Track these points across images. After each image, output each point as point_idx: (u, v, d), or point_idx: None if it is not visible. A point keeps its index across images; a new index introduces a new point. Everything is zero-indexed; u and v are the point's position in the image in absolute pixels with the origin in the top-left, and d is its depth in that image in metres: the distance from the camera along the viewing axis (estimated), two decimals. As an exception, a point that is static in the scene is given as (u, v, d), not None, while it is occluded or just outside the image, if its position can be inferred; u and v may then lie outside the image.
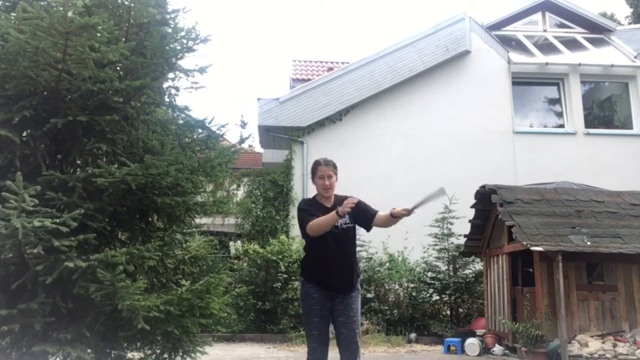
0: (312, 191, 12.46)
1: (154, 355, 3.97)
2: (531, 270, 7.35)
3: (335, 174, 3.53)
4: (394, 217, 3.24)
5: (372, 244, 9.63)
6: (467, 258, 9.56)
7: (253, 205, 12.70)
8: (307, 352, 3.43)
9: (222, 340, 8.83)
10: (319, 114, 11.87)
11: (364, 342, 7.83)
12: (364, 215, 3.46)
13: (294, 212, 10.61)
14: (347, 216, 3.36)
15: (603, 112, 13.79)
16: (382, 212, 3.42)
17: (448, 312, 9.87)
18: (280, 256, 9.63)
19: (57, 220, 3.09)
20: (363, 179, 11.16)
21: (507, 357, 7.46)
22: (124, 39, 3.79)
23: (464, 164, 11.48)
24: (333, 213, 3.21)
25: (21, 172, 3.14)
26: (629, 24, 21.94)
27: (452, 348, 7.90)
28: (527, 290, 7.29)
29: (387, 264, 9.93)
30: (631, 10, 23.92)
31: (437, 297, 9.84)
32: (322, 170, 3.48)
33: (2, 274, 3.30)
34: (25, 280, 3.25)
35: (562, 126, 12.85)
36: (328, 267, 3.42)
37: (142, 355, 4.03)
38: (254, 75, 50.98)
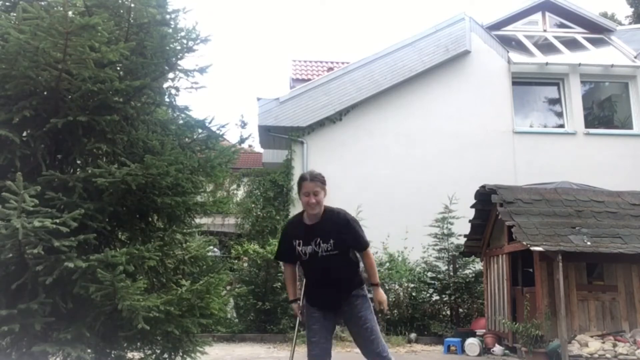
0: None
1: (154, 355, 3.97)
2: (531, 270, 7.35)
3: (323, 189, 3.24)
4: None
5: (372, 244, 9.58)
6: (467, 258, 9.56)
7: (253, 205, 12.69)
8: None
9: (222, 340, 8.83)
10: (319, 114, 11.86)
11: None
12: (352, 245, 3.47)
13: (294, 212, 10.60)
14: (326, 243, 3.26)
15: (603, 112, 13.77)
16: (367, 269, 3.69)
17: (448, 312, 9.87)
18: (280, 256, 9.62)
19: (57, 221, 3.08)
20: (363, 179, 11.19)
21: (507, 357, 7.46)
22: (124, 39, 3.79)
23: (464, 164, 11.47)
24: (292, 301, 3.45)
25: (21, 172, 3.15)
26: (629, 24, 21.93)
27: (452, 348, 7.90)
28: (527, 290, 7.29)
29: (387, 264, 9.93)
30: (631, 10, 23.92)
31: (437, 297, 9.84)
32: (307, 186, 3.19)
33: (2, 274, 3.30)
34: (25, 280, 3.25)
35: (562, 126, 12.84)
36: (318, 291, 3.40)
37: (142, 355, 4.03)
38: (254, 75, 51.03)
